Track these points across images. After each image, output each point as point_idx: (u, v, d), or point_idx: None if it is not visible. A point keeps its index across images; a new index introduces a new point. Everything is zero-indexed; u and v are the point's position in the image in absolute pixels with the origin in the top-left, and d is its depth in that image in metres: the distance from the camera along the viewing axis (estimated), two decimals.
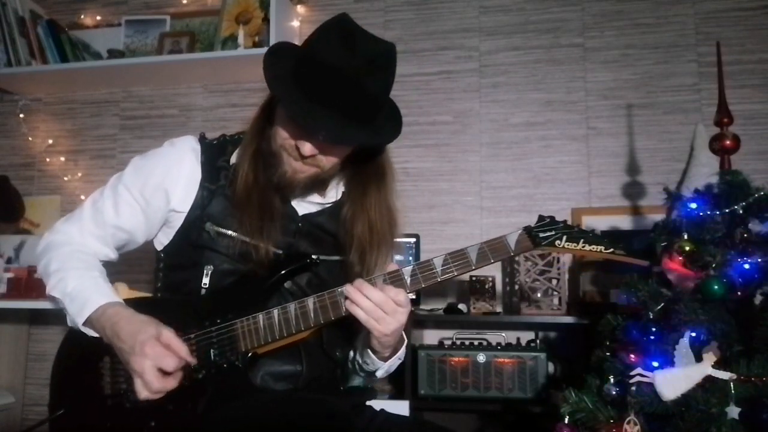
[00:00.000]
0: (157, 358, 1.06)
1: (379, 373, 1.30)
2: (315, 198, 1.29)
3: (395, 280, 1.14)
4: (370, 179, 1.29)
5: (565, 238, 1.14)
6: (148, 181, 1.25)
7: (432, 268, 1.14)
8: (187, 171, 1.24)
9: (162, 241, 1.29)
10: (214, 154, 1.27)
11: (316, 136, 1.13)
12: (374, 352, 1.23)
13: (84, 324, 1.15)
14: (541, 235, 1.15)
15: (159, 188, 1.24)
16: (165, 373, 1.07)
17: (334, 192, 1.32)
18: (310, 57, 1.13)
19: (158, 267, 1.29)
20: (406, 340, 1.28)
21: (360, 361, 1.31)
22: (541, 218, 1.18)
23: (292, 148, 1.17)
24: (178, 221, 1.25)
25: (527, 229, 1.16)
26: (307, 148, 1.15)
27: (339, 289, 1.14)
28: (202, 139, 1.30)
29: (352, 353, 1.34)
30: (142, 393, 1.07)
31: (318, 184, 1.25)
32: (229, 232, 1.22)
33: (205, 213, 1.22)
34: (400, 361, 1.31)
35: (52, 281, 1.20)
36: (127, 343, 1.08)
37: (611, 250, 1.13)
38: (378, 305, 1.10)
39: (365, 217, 1.27)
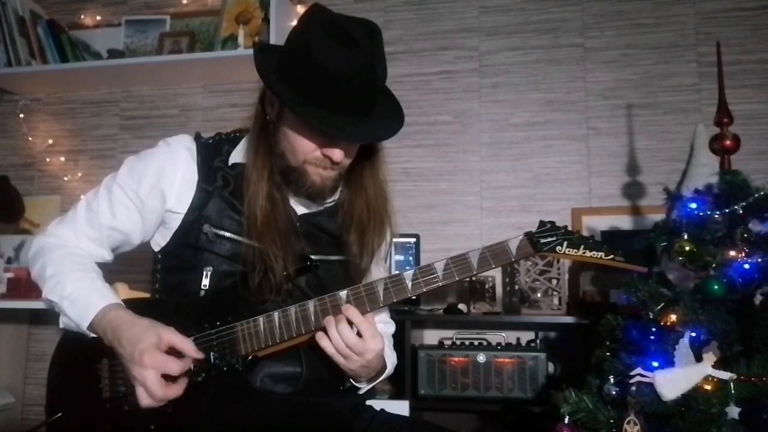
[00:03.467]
0: (158, 365, 1.04)
1: (362, 390, 1.31)
2: None
3: (396, 284, 1.14)
4: (363, 162, 1.29)
5: (566, 244, 1.15)
6: (143, 181, 1.23)
7: (433, 272, 1.14)
8: (182, 171, 1.24)
9: (159, 243, 1.28)
10: (210, 154, 1.26)
11: (354, 141, 1.17)
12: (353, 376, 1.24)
13: (87, 327, 1.14)
14: (543, 240, 1.15)
15: (154, 188, 1.23)
16: (169, 380, 1.06)
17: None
18: (315, 67, 1.09)
19: (156, 268, 1.29)
20: (388, 367, 1.29)
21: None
22: (542, 223, 1.18)
23: (319, 159, 1.18)
24: (175, 222, 1.24)
25: (528, 235, 1.16)
26: (338, 155, 1.16)
27: (340, 293, 1.14)
28: (198, 139, 1.29)
29: None
30: (144, 401, 1.05)
31: (339, 182, 1.26)
32: (228, 234, 1.21)
33: (203, 214, 1.22)
34: (388, 375, 1.32)
35: (48, 285, 1.19)
36: (126, 350, 1.07)
37: (611, 257, 1.14)
38: (349, 346, 1.11)
39: (363, 195, 1.29)
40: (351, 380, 1.26)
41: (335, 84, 1.09)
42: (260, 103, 1.27)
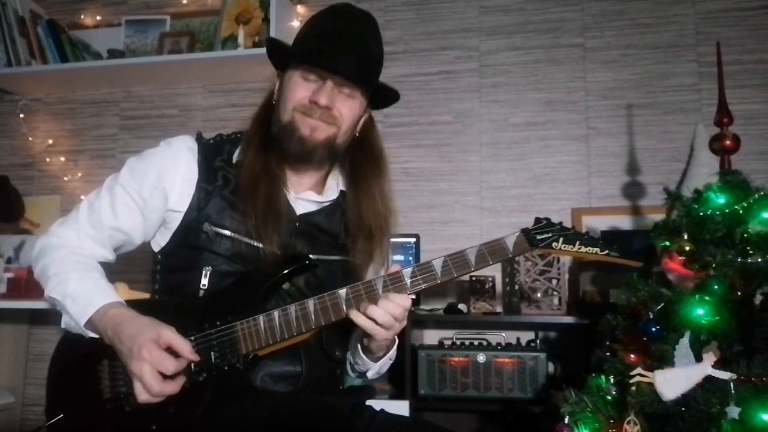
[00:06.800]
0: (155, 361, 1.05)
1: (370, 374, 1.32)
2: (313, 196, 1.29)
3: (395, 282, 1.14)
4: (370, 166, 1.31)
5: (561, 240, 1.17)
6: (144, 181, 1.24)
7: (432, 269, 1.15)
8: (183, 170, 1.24)
9: (159, 243, 1.29)
10: (210, 153, 1.27)
11: (335, 70, 1.20)
12: (367, 353, 1.25)
13: (86, 325, 1.14)
14: (539, 237, 1.16)
15: (156, 188, 1.24)
16: (166, 377, 1.06)
17: (333, 190, 1.32)
18: (313, 26, 1.26)
19: (155, 269, 1.29)
20: (397, 341, 1.30)
21: (351, 362, 1.32)
22: (537, 220, 1.20)
23: (306, 107, 1.22)
24: (175, 222, 1.25)
25: (525, 231, 1.18)
26: (325, 95, 1.20)
27: (339, 291, 1.15)
28: (199, 138, 1.30)
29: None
30: (141, 396, 1.06)
31: (332, 151, 1.27)
32: (228, 233, 1.22)
33: (203, 214, 1.22)
34: (392, 362, 1.33)
35: (51, 284, 1.19)
36: (126, 345, 1.08)
37: (606, 252, 1.16)
38: (393, 315, 1.11)
39: (373, 204, 1.30)
40: (363, 358, 1.26)
41: (327, 30, 1.23)
42: (265, 98, 1.33)
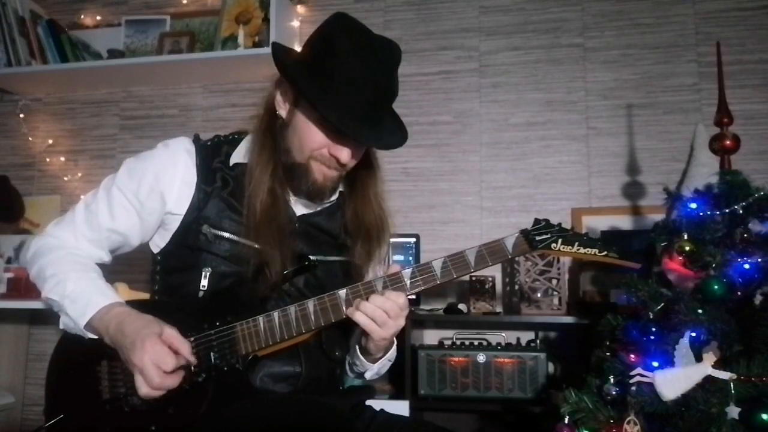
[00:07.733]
0: (156, 355, 1.05)
1: (368, 375, 1.32)
2: None
3: (395, 282, 1.14)
4: (367, 172, 1.31)
5: (560, 241, 1.17)
6: (142, 183, 1.23)
7: (431, 270, 1.15)
8: (181, 172, 1.24)
9: (158, 244, 1.28)
10: (208, 155, 1.26)
11: (366, 142, 1.18)
12: (365, 354, 1.26)
13: (86, 325, 1.14)
14: (538, 238, 1.17)
15: (154, 190, 1.23)
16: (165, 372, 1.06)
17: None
18: (339, 67, 1.13)
19: (155, 270, 1.28)
20: (395, 342, 1.30)
21: (350, 362, 1.31)
22: (536, 221, 1.20)
23: (325, 157, 1.19)
24: (174, 224, 1.24)
25: (524, 233, 1.18)
26: (346, 155, 1.17)
27: (339, 292, 1.15)
28: (197, 140, 1.29)
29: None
30: (142, 389, 1.06)
31: (338, 183, 1.27)
32: (227, 235, 1.21)
33: (202, 215, 1.22)
34: (390, 363, 1.32)
35: (48, 284, 1.19)
36: (129, 337, 1.08)
37: (605, 253, 1.16)
38: (384, 310, 1.11)
39: (371, 206, 1.30)
40: (361, 358, 1.26)
41: (358, 86, 1.13)
42: (268, 103, 1.28)
